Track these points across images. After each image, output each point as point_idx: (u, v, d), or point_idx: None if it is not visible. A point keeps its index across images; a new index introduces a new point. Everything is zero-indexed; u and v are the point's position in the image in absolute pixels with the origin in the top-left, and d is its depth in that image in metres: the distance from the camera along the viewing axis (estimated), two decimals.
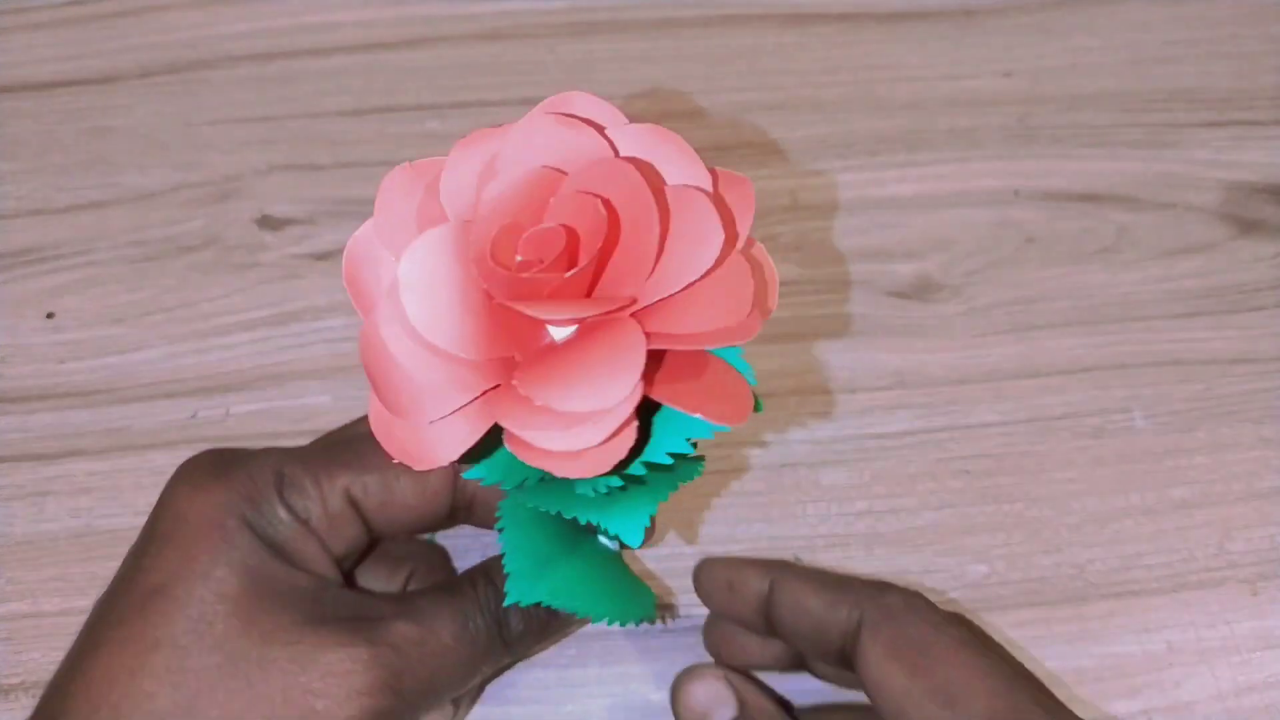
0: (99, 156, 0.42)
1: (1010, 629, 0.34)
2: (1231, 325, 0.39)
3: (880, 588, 0.27)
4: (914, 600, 0.27)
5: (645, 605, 0.30)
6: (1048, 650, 0.34)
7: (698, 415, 0.20)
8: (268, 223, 0.41)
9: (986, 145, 0.41)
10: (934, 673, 0.25)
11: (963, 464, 0.37)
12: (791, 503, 0.36)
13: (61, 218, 0.41)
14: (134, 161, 0.42)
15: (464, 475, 0.23)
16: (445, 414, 0.20)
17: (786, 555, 0.35)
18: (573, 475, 0.20)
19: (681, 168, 0.21)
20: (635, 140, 0.21)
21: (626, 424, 0.20)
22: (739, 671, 0.30)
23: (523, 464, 0.20)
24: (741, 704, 0.29)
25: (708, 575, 0.30)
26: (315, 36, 0.44)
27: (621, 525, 0.23)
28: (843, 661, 0.27)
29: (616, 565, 0.30)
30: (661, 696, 0.34)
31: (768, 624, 0.29)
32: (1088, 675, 0.34)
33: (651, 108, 0.42)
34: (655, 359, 0.21)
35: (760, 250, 0.22)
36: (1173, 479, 0.36)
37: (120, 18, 0.45)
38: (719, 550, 0.36)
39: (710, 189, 0.21)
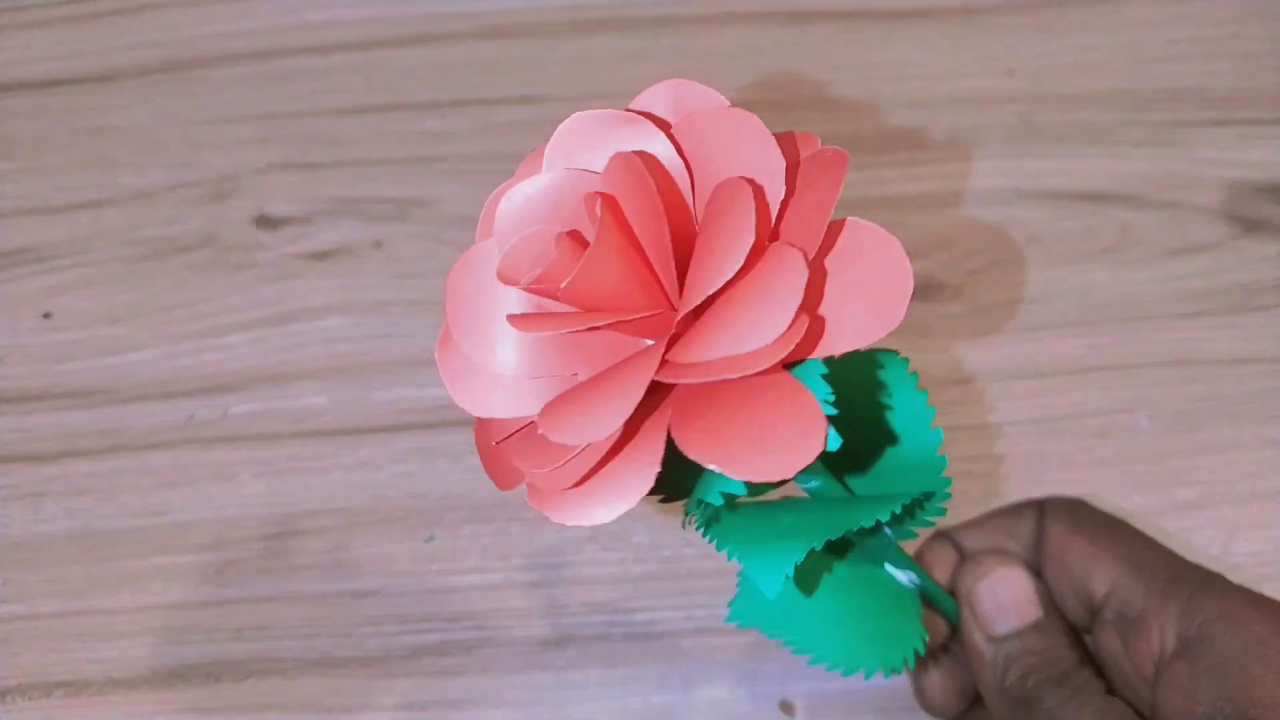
0: (96, 156, 0.42)
1: None
2: (1235, 325, 0.38)
3: (1050, 498, 0.31)
4: (1081, 501, 0.31)
5: (893, 651, 0.25)
6: None
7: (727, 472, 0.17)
8: (265, 222, 0.41)
9: (989, 144, 0.41)
10: (1116, 544, 0.28)
11: (966, 465, 0.36)
12: None
13: (58, 217, 0.41)
14: (131, 161, 0.42)
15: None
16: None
17: None
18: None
19: (749, 156, 0.18)
20: (701, 128, 0.19)
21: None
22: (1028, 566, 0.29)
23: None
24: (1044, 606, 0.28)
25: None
26: (314, 34, 0.44)
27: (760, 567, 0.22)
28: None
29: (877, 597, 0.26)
30: (663, 699, 0.34)
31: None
32: None
33: None
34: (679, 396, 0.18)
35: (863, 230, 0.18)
36: (1176, 479, 0.36)
37: (117, 16, 0.45)
38: (711, 549, 0.35)
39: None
